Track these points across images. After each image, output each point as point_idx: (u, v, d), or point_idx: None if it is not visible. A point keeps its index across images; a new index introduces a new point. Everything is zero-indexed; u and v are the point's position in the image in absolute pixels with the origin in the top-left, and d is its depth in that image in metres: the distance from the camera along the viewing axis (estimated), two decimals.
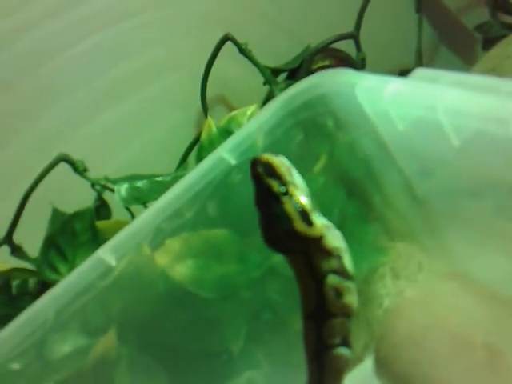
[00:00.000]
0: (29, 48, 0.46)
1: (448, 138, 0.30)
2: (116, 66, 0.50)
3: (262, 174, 0.30)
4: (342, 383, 0.31)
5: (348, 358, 0.31)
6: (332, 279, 0.30)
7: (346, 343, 0.31)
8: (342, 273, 0.30)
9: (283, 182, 0.29)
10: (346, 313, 0.30)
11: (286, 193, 0.29)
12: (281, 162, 0.30)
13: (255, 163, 0.30)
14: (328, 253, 0.30)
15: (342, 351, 0.31)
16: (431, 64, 0.60)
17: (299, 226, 0.29)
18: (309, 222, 0.29)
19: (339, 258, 0.30)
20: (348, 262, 0.30)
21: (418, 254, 0.40)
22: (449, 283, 0.36)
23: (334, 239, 0.30)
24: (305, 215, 0.29)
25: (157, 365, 0.37)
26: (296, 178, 0.30)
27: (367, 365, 0.36)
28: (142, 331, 0.36)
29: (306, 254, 0.30)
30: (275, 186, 0.29)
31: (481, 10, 0.59)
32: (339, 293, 0.30)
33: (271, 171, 0.29)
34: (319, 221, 0.30)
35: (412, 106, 0.32)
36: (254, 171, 0.30)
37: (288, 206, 0.29)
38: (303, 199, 0.29)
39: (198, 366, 0.38)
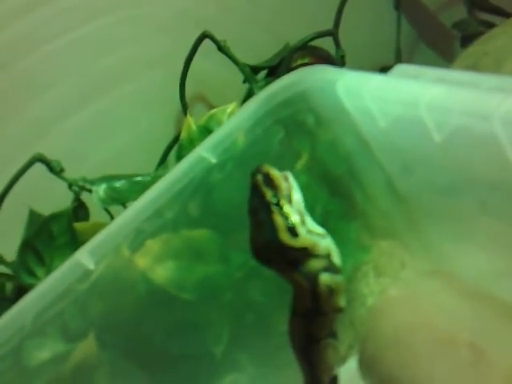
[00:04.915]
0: None
1: (430, 134, 0.30)
2: (93, 63, 0.49)
3: (259, 182, 0.30)
4: (333, 373, 0.32)
5: (336, 346, 0.32)
6: (324, 278, 0.30)
7: (332, 334, 0.31)
8: (332, 269, 0.30)
9: (277, 194, 0.30)
10: (337, 309, 0.31)
11: (278, 204, 0.29)
12: (282, 176, 0.31)
13: (256, 171, 0.31)
14: (316, 256, 0.30)
15: (330, 341, 0.31)
16: (410, 61, 0.60)
17: (284, 236, 0.29)
18: (294, 234, 0.29)
19: (328, 256, 0.30)
20: (336, 257, 0.31)
21: (400, 251, 0.40)
22: (432, 281, 0.36)
23: (321, 248, 0.30)
24: (292, 228, 0.29)
25: (138, 369, 0.36)
26: (294, 195, 0.30)
27: (351, 365, 0.36)
28: (122, 335, 0.36)
29: (293, 262, 0.30)
30: (268, 195, 0.30)
31: (458, 7, 0.59)
32: (331, 290, 0.30)
33: (269, 181, 0.30)
34: (307, 232, 0.30)
35: (393, 102, 0.32)
36: (252, 178, 0.30)
37: (276, 216, 0.29)
38: (294, 214, 0.30)
39: (180, 369, 0.37)
